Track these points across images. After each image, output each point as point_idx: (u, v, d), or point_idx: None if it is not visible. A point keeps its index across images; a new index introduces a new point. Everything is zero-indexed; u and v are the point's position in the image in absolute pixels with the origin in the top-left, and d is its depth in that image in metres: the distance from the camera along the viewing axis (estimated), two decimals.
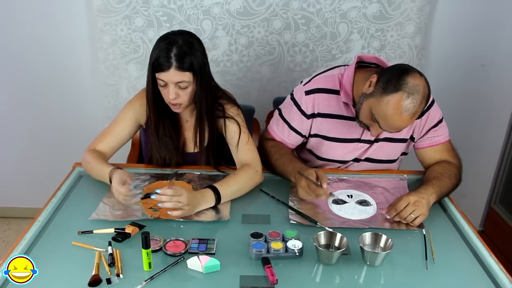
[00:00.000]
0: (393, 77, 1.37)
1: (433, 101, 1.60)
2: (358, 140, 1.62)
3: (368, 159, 1.66)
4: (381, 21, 2.23)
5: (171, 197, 1.30)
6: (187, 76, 1.43)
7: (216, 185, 1.44)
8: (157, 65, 1.42)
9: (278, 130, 1.67)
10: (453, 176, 1.52)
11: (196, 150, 1.63)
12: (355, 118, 1.54)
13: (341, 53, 2.29)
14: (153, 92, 1.51)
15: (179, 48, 1.41)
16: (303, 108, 1.61)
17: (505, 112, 2.41)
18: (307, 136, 1.67)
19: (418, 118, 1.51)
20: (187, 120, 1.64)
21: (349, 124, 1.59)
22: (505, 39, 2.30)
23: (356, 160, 1.67)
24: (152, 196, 1.32)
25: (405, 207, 1.34)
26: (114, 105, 2.34)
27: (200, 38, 1.51)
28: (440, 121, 1.61)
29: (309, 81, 1.64)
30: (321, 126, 1.63)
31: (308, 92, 1.61)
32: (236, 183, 1.48)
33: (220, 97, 1.62)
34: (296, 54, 2.30)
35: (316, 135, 1.65)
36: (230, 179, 1.49)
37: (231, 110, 1.60)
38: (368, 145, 1.63)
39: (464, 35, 2.31)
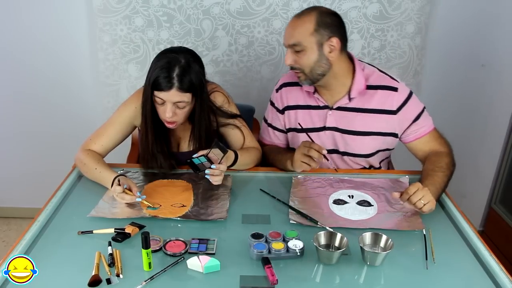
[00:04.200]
0: None
1: (409, 96, 1.59)
2: (324, 128, 1.65)
3: (344, 153, 1.67)
4: (381, 21, 2.23)
5: (221, 171, 1.44)
6: (186, 97, 1.44)
7: (237, 151, 1.57)
8: (157, 83, 1.41)
9: (266, 136, 1.82)
10: (445, 167, 1.52)
11: (190, 149, 1.64)
12: (319, 107, 1.64)
13: None
14: (151, 112, 1.50)
15: (182, 69, 1.40)
16: (276, 105, 1.75)
17: (505, 112, 2.41)
18: (285, 131, 1.76)
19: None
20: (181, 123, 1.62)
21: (314, 112, 1.66)
22: (505, 39, 2.30)
23: (334, 151, 1.67)
24: (197, 161, 1.46)
25: (415, 192, 1.34)
26: (114, 105, 2.33)
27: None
28: (421, 113, 1.60)
29: (278, 81, 1.76)
30: (291, 118, 1.71)
31: (277, 89, 1.75)
32: (248, 157, 1.63)
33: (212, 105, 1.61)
34: None
35: (290, 129, 1.73)
36: (244, 152, 1.62)
37: (227, 120, 1.64)
38: (338, 133, 1.63)
39: (464, 35, 2.31)
